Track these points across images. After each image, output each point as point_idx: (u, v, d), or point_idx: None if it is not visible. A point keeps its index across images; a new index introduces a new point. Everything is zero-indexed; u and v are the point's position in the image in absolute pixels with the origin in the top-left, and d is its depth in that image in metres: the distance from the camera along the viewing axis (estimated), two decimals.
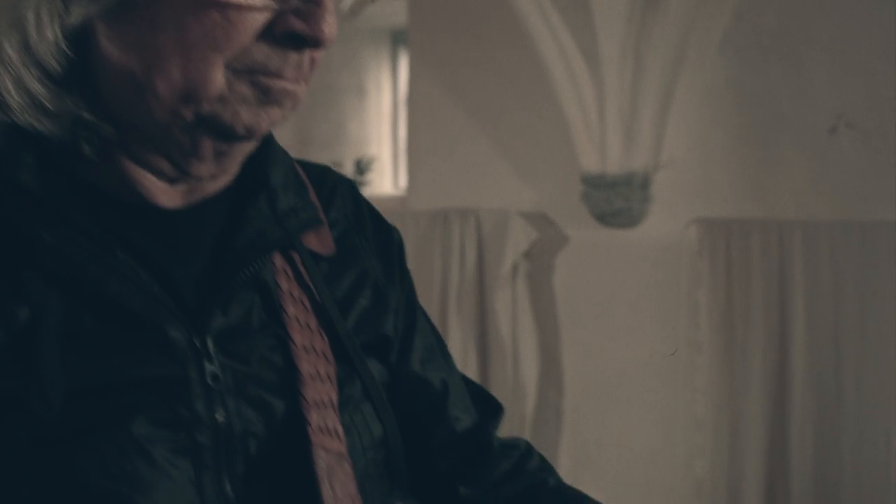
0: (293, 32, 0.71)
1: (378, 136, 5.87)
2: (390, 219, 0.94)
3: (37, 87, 0.70)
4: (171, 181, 0.76)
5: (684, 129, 3.38)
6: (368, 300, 0.87)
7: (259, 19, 0.70)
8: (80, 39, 0.71)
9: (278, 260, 0.81)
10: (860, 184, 3.13)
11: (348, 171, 5.34)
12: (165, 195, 0.76)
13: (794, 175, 3.22)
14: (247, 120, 0.72)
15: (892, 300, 3.04)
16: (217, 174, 0.78)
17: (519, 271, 3.74)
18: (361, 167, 5.09)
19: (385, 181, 5.76)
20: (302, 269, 0.82)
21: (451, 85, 4.33)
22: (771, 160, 3.26)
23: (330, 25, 0.71)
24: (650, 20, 3.17)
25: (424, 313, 0.98)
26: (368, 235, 0.92)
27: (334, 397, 0.78)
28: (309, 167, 0.93)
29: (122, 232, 0.73)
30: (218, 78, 0.70)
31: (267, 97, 0.72)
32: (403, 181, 5.92)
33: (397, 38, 5.89)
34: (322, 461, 0.73)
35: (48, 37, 0.69)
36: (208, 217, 0.78)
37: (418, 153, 4.86)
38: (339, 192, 0.92)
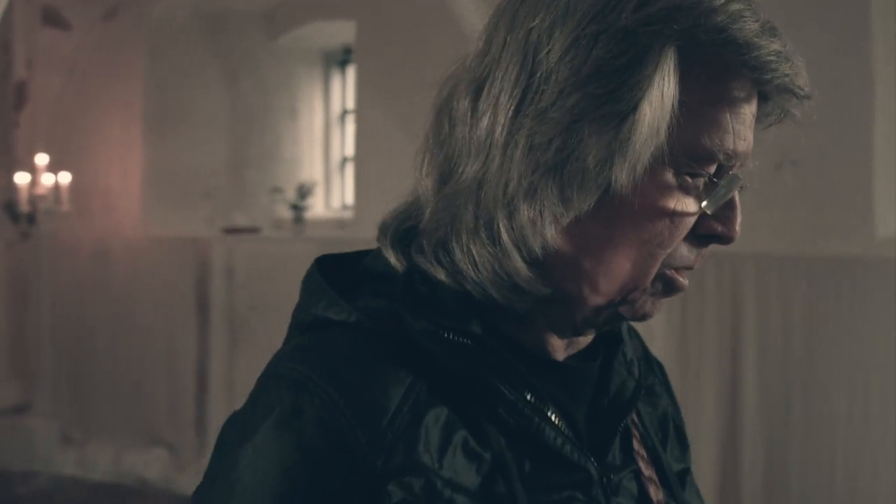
0: (714, 234, 0.83)
1: (311, 158, 5.86)
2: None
3: (520, 268, 0.80)
4: (563, 339, 0.89)
5: None
6: (674, 439, 1.02)
7: (692, 222, 0.82)
8: None
9: None
10: (806, 219, 3.31)
11: (290, 196, 5.31)
12: (559, 351, 0.88)
13: (744, 210, 3.36)
14: (648, 309, 0.85)
15: (838, 331, 3.23)
16: None
17: None
18: (304, 192, 5.07)
19: (318, 202, 5.74)
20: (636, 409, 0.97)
21: (398, 109, 4.38)
22: None
23: (739, 225, 0.83)
24: None
25: None
26: (656, 371, 1.06)
27: None
28: None
29: (534, 382, 0.83)
30: (654, 273, 0.82)
31: (669, 289, 0.84)
32: (337, 202, 5.93)
33: (330, 59, 5.89)
34: None
35: (545, 234, 0.79)
36: (589, 369, 0.91)
37: (366, 179, 4.89)
38: (630, 331, 1.02)
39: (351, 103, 5.84)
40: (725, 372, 3.41)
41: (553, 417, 0.83)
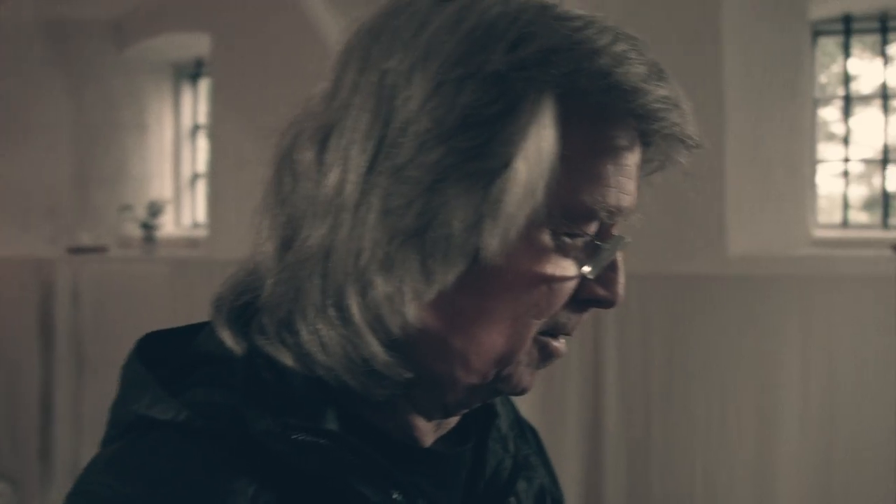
0: (595, 297, 0.74)
1: (160, 174, 5.64)
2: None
3: (377, 352, 0.69)
4: (431, 421, 0.78)
5: None
6: None
7: (573, 287, 0.72)
8: None
9: None
10: (663, 240, 3.44)
11: (140, 214, 5.10)
12: (428, 434, 0.78)
13: None
14: (526, 382, 0.75)
15: (695, 346, 3.37)
16: None
17: None
18: (155, 210, 4.87)
19: (168, 221, 5.54)
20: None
21: (254, 124, 4.27)
22: None
23: (623, 287, 0.75)
24: None
25: None
26: (529, 438, 0.96)
27: None
28: None
29: (401, 478, 0.72)
30: (530, 343, 0.73)
31: (545, 358, 0.75)
32: (188, 220, 5.74)
33: (181, 72, 5.70)
34: None
35: (405, 312, 0.69)
36: (461, 454, 0.81)
37: (220, 196, 4.75)
38: (502, 398, 0.92)
39: (202, 118, 5.68)
40: (587, 392, 3.50)
41: None
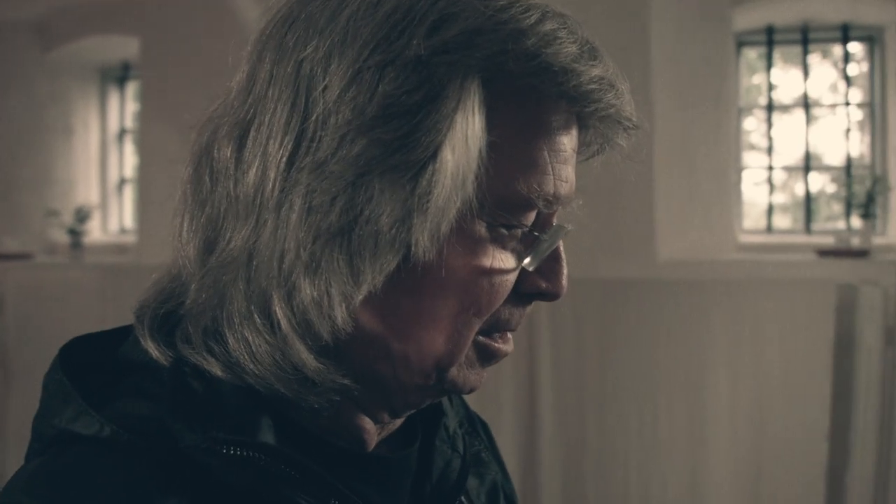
0: (537, 290, 0.70)
1: (87, 179, 5.53)
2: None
3: (307, 359, 0.65)
4: (378, 424, 0.75)
5: None
6: None
7: (513, 280, 0.69)
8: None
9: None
10: (595, 245, 3.51)
11: (67, 220, 4.98)
12: (372, 437, 0.74)
13: None
14: (473, 381, 0.71)
15: (626, 347, 3.43)
16: None
17: None
18: (82, 216, 4.77)
19: (94, 226, 5.42)
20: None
21: (184, 128, 4.22)
22: None
23: (566, 278, 0.71)
24: None
25: None
26: (480, 434, 0.93)
27: None
28: None
29: (340, 487, 0.68)
30: (470, 342, 0.69)
31: (489, 358, 0.71)
32: (115, 226, 5.63)
33: (107, 75, 5.60)
34: None
35: (334, 316, 0.64)
36: (406, 457, 0.77)
37: (150, 201, 4.67)
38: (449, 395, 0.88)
39: (129, 122, 5.58)
40: (522, 394, 3.54)
41: None
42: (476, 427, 0.92)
